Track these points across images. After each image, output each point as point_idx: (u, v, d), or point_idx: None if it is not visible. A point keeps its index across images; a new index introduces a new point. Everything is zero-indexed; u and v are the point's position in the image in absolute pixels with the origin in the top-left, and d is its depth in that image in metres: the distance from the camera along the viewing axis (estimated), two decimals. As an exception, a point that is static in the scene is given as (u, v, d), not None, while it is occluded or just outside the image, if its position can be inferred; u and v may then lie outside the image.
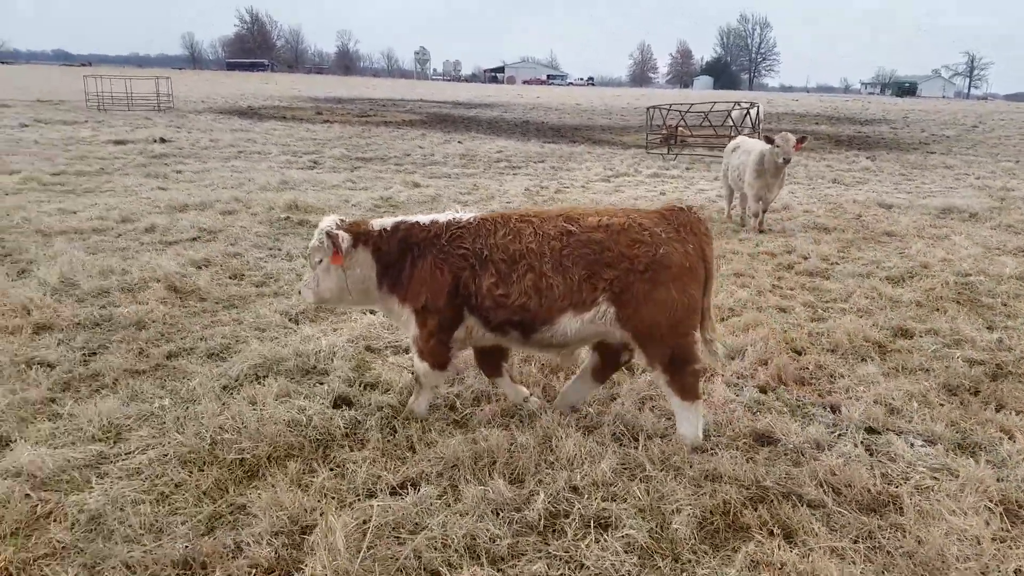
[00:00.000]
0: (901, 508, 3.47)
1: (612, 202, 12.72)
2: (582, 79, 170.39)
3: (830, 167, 18.83)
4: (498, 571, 3.01)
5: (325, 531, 3.12)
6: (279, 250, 8.43)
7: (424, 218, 4.18)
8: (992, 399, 4.78)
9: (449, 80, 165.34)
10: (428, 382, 4.27)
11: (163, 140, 19.69)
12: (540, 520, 3.30)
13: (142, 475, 3.64)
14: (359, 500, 3.46)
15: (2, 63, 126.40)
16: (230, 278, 7.21)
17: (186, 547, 3.09)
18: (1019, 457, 3.98)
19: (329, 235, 4.04)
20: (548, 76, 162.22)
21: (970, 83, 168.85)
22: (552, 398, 4.62)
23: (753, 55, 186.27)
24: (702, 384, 4.56)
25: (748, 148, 10.43)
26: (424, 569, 3.00)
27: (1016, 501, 3.58)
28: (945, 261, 8.45)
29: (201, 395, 4.49)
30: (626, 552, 3.10)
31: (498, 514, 3.34)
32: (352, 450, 3.94)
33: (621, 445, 4.02)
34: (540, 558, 3.08)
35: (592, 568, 3.02)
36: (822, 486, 3.63)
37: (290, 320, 6.05)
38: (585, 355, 4.62)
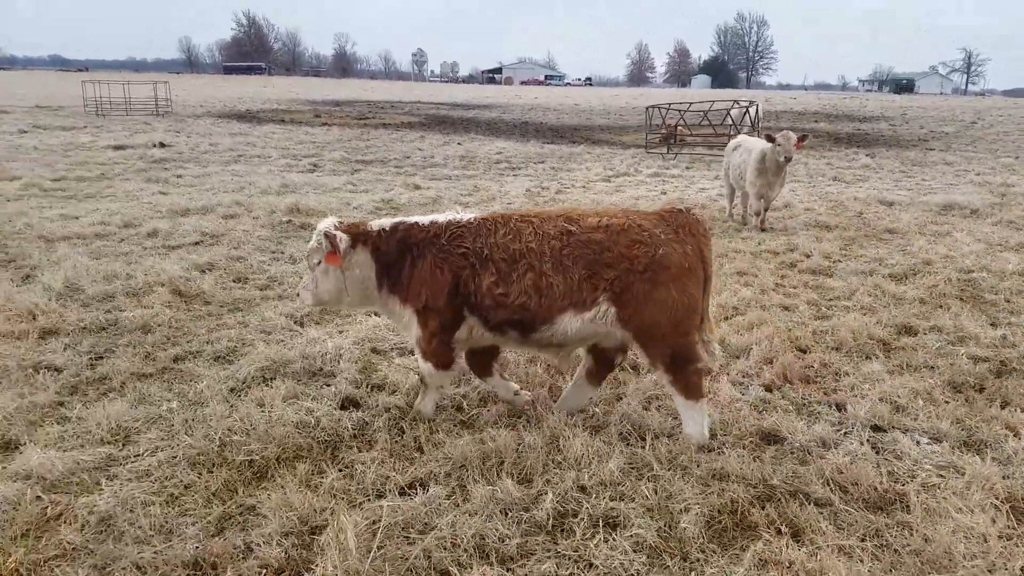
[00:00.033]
0: (908, 506, 3.48)
1: (613, 202, 12.74)
2: (580, 79, 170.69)
3: (830, 165, 18.85)
4: (508, 571, 3.02)
5: (336, 531, 3.13)
6: (282, 253, 8.44)
7: (423, 219, 4.20)
8: (997, 396, 4.79)
9: (446, 81, 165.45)
10: (433, 382, 4.29)
11: (163, 145, 19.72)
12: (549, 520, 3.31)
13: (151, 477, 3.66)
14: (368, 500, 3.47)
15: None
16: (234, 281, 7.22)
17: (196, 548, 3.11)
18: (1024, 454, 3.99)
19: (327, 236, 4.05)
20: (546, 77, 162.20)
21: (967, 79, 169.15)
22: (558, 399, 4.63)
23: (750, 54, 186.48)
24: (707, 383, 4.58)
25: (749, 147, 10.44)
26: (434, 569, 3.02)
27: (1022, 499, 3.58)
28: (947, 258, 8.47)
29: (209, 397, 4.51)
30: (635, 551, 3.11)
31: (507, 514, 3.35)
32: (360, 451, 3.96)
33: (628, 444, 4.04)
34: (549, 557, 3.09)
35: (601, 567, 3.03)
36: (829, 484, 3.64)
37: (295, 323, 6.06)
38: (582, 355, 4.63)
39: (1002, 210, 11.80)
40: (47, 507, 3.37)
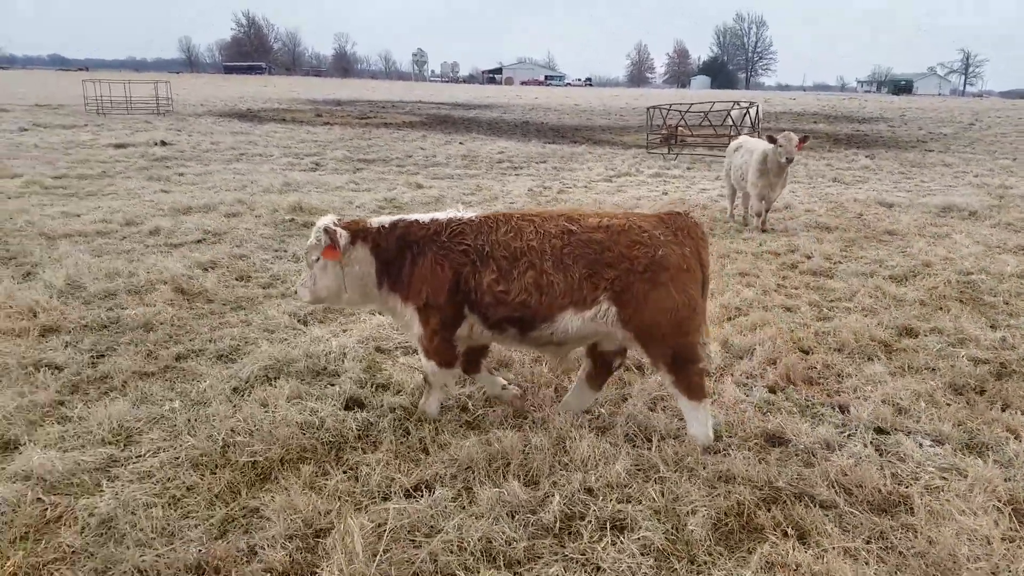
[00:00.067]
0: (912, 508, 3.48)
1: (615, 202, 12.73)
2: (580, 80, 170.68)
3: (830, 166, 18.86)
4: (515, 574, 3.01)
5: (342, 534, 3.12)
6: (285, 251, 8.43)
7: (424, 216, 4.20)
8: (998, 398, 4.79)
9: (447, 81, 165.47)
10: (437, 381, 4.28)
11: (164, 143, 19.69)
12: (556, 522, 3.30)
13: (153, 478, 3.63)
14: (374, 503, 3.46)
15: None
16: (237, 280, 7.21)
17: (199, 551, 3.08)
18: (1026, 456, 3.99)
19: (327, 231, 4.04)
20: (546, 77, 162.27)
21: (965, 80, 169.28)
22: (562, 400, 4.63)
23: (750, 54, 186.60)
24: (711, 384, 4.58)
25: (751, 148, 10.44)
26: (440, 572, 3.00)
27: (1024, 501, 3.59)
28: (947, 260, 8.47)
29: (212, 397, 4.49)
30: (643, 554, 3.10)
31: (513, 516, 3.34)
32: (365, 452, 3.94)
33: (634, 446, 4.03)
34: (556, 560, 3.08)
35: (609, 570, 3.02)
36: (834, 487, 3.64)
37: (299, 321, 6.05)
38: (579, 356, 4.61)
39: (1000, 212, 11.82)
40: (47, 509, 3.33)
